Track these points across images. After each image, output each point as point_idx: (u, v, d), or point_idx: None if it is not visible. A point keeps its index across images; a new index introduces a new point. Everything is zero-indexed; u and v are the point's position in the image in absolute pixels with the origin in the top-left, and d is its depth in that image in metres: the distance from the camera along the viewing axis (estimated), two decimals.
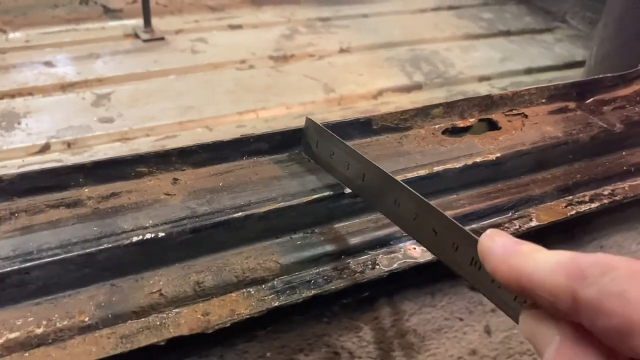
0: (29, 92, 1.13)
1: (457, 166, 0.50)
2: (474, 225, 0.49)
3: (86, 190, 0.43)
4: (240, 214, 0.42)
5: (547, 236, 0.52)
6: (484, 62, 1.37)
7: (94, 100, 1.12)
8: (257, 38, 1.41)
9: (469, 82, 1.28)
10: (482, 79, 1.30)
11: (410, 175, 0.48)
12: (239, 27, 1.47)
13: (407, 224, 0.38)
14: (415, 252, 0.45)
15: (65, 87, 1.16)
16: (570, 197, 0.54)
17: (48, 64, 1.24)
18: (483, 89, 1.24)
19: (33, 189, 0.42)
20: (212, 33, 1.42)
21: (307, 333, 0.44)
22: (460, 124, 0.56)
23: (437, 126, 0.55)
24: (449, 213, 0.49)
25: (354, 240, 0.45)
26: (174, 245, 0.41)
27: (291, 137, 0.49)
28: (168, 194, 0.44)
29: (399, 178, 0.47)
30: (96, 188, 0.43)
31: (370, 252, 0.45)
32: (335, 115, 1.10)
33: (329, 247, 0.44)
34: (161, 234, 0.40)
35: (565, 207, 0.53)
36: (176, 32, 1.42)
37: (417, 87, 1.25)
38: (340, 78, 1.25)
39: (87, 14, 1.45)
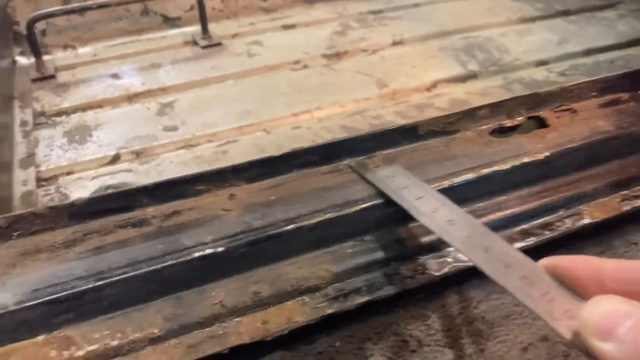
0: (99, 104, 1.20)
1: (505, 167, 0.50)
2: (524, 226, 0.50)
3: (150, 209, 0.46)
4: (292, 226, 0.45)
5: (600, 234, 0.52)
6: (540, 46, 1.32)
7: (158, 109, 1.17)
8: (310, 37, 1.43)
9: (525, 68, 1.25)
10: (539, 63, 1.26)
11: (457, 179, 0.49)
12: (292, 26, 1.49)
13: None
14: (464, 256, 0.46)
15: (131, 97, 1.21)
16: (625, 192, 0.53)
17: (114, 76, 1.30)
18: (540, 75, 1.21)
19: (103, 211, 0.46)
20: (266, 35, 1.45)
21: (374, 322, 0.45)
22: (508, 123, 0.56)
23: (484, 127, 0.55)
24: (498, 215, 0.50)
25: (403, 247, 0.47)
26: (233, 259, 0.43)
27: (338, 149, 0.51)
28: (225, 210, 0.46)
29: (446, 183, 0.49)
30: (159, 207, 0.47)
31: (419, 257, 0.46)
32: (389, 110, 1.11)
33: (378, 255, 0.46)
34: (220, 249, 0.43)
35: (620, 202, 0.52)
36: (232, 36, 1.45)
37: (472, 76, 1.23)
38: (393, 72, 1.25)
39: (148, 24, 1.51)
